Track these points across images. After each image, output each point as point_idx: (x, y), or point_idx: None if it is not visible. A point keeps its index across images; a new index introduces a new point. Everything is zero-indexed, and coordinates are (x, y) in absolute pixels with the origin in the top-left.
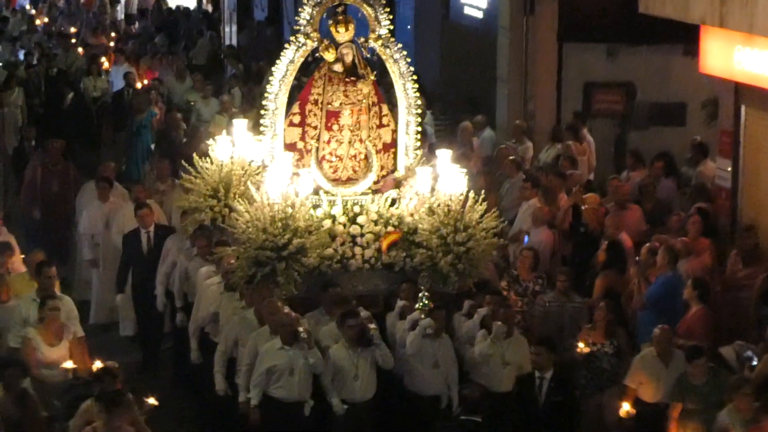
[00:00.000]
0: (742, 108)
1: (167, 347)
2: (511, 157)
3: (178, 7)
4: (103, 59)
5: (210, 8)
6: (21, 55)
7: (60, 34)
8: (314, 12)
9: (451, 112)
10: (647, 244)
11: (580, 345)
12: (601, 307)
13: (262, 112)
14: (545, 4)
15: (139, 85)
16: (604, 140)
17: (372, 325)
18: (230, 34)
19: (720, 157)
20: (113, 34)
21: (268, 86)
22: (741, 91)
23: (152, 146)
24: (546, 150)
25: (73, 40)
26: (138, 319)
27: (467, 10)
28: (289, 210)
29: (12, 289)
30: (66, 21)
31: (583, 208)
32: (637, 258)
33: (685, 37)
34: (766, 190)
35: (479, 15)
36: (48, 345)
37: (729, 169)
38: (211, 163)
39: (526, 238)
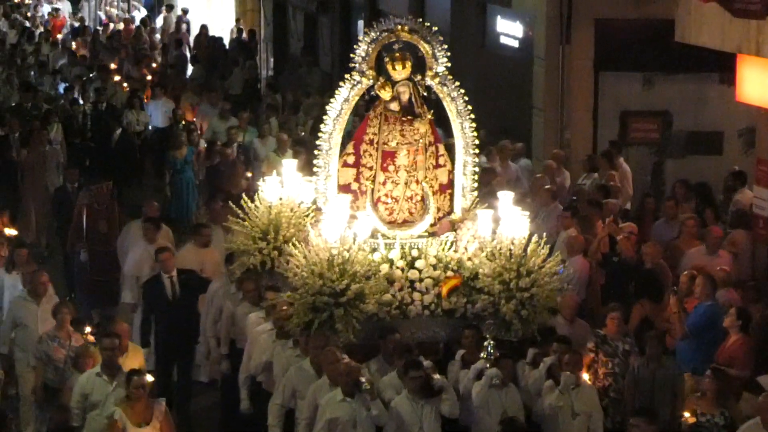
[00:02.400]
0: None
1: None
2: (546, 187)
3: (213, 36)
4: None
5: (245, 37)
6: (61, 89)
7: (101, 67)
8: (370, 49)
9: (487, 141)
10: (686, 272)
11: (686, 415)
12: (709, 376)
13: (315, 152)
14: (581, 32)
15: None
16: (641, 169)
17: (436, 375)
18: (266, 64)
19: (757, 186)
20: (153, 65)
21: (321, 125)
22: None
23: (196, 183)
24: (582, 179)
25: (116, 76)
26: (158, 377)
27: (503, 39)
28: (347, 254)
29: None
30: (107, 54)
31: (618, 237)
32: (674, 288)
33: (721, 66)
34: None
35: (515, 44)
36: (136, 425)
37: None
38: (260, 203)
39: (561, 269)
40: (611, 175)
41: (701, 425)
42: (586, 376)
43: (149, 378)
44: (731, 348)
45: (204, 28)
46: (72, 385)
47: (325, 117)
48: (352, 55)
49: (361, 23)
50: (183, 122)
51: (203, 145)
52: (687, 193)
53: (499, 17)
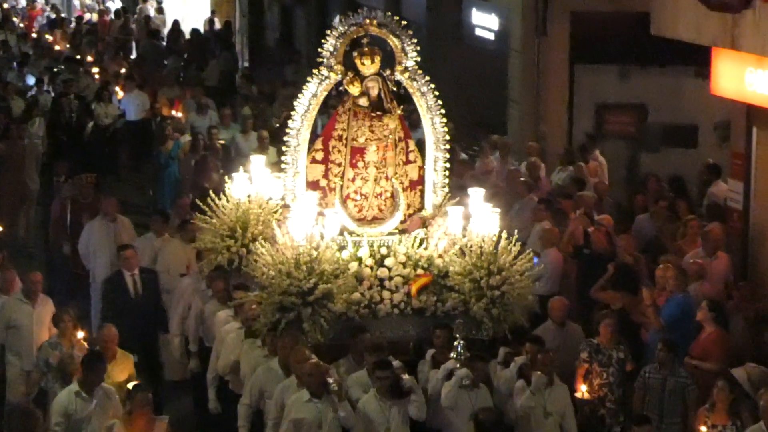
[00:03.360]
0: (754, 130)
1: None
2: (521, 179)
3: (194, 28)
4: (117, 88)
5: (220, 28)
6: (30, 81)
7: (68, 58)
8: (338, 43)
9: (463, 134)
10: (660, 266)
11: (703, 429)
12: (721, 386)
13: (284, 148)
14: (557, 25)
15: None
16: (616, 162)
17: (405, 375)
18: (241, 55)
19: (732, 178)
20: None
21: (290, 121)
22: (752, 113)
23: (179, 177)
24: (557, 171)
25: (94, 68)
26: None
27: (479, 32)
28: (314, 253)
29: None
30: (87, 46)
31: (590, 230)
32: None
33: (696, 59)
34: None
35: (491, 37)
36: None
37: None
38: (227, 201)
39: (535, 260)
40: (580, 167)
41: None
42: (584, 388)
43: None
44: (705, 341)
45: (176, 24)
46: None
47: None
48: (320, 50)
49: (336, 12)
50: (160, 116)
51: (188, 139)
52: (660, 187)
53: (474, 10)
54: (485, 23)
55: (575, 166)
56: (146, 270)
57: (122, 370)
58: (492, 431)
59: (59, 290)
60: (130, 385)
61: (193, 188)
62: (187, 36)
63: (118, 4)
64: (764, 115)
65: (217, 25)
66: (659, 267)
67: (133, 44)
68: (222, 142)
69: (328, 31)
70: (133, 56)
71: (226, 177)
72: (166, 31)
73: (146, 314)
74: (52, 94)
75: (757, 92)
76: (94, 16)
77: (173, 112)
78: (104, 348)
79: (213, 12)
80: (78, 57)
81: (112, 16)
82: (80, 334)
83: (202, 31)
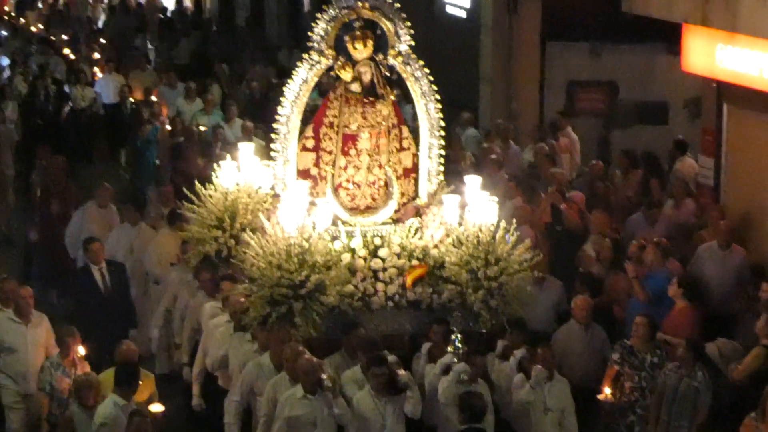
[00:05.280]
0: (725, 106)
1: None
2: (492, 156)
3: (165, 7)
4: (96, 69)
5: (190, 7)
6: (3, 63)
7: (41, 39)
8: (329, 27)
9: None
10: (634, 242)
11: None
12: None
13: (273, 135)
14: (528, 3)
15: (132, 99)
16: (588, 139)
17: (401, 371)
18: (212, 34)
19: (702, 155)
20: (102, 41)
21: (279, 107)
22: (723, 89)
23: (156, 162)
24: (529, 149)
25: (66, 49)
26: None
27: (450, 9)
28: (306, 244)
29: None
30: (59, 28)
31: (561, 207)
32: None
33: (668, 36)
34: (748, 188)
35: (462, 14)
36: None
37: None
38: (215, 190)
39: (508, 238)
40: (551, 144)
41: None
42: (608, 391)
43: (159, 408)
44: (676, 317)
45: (147, 3)
46: (72, 417)
47: (282, 99)
48: (309, 33)
49: None
50: (133, 100)
51: (166, 123)
52: (630, 163)
53: None
54: (457, 1)
55: (547, 143)
56: (114, 263)
57: (142, 390)
58: (476, 415)
59: (36, 278)
60: (152, 407)
61: (173, 175)
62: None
63: None
64: (735, 92)
65: (187, 2)
66: (633, 243)
67: (101, 20)
68: (204, 128)
69: (319, 15)
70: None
71: (213, 165)
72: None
73: (115, 309)
74: (27, 77)
75: (728, 68)
76: None
77: (153, 98)
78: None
79: None
80: (52, 39)
81: None
82: (81, 350)
83: (171, 9)
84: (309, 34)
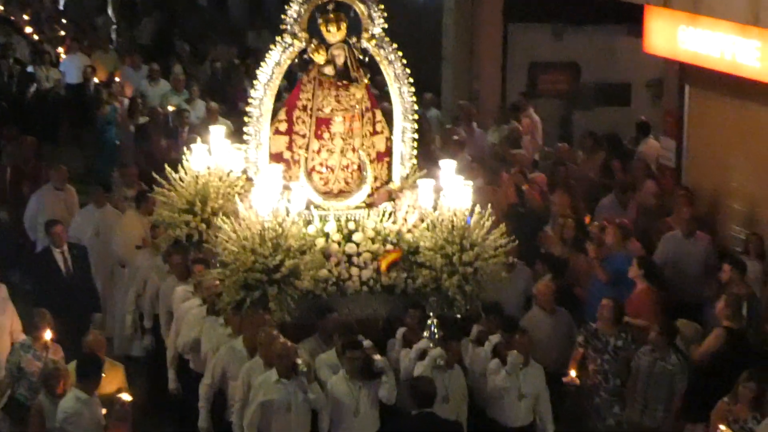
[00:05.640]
0: (687, 87)
1: None
2: (455, 137)
3: None
4: (60, 49)
5: None
6: None
7: (1, 20)
8: (302, 10)
9: None
10: (596, 223)
11: (722, 428)
12: (747, 379)
13: (246, 119)
14: None
15: (96, 80)
16: (550, 120)
17: (377, 356)
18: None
19: (664, 136)
20: (63, 21)
21: (251, 90)
22: (685, 71)
23: (117, 143)
24: (492, 131)
25: (27, 28)
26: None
27: None
28: (280, 228)
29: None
30: (17, 7)
31: (524, 188)
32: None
33: (629, 17)
34: (709, 169)
35: None
36: None
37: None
38: (186, 173)
39: (468, 219)
40: (514, 126)
41: None
42: (573, 373)
43: (127, 397)
44: (637, 298)
45: None
46: (40, 409)
47: (244, 79)
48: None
49: None
50: (96, 80)
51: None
52: (595, 144)
53: None
54: None
55: (509, 124)
56: (75, 246)
57: (111, 381)
58: (427, 400)
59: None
60: (121, 396)
61: (138, 156)
62: None
63: None
64: (697, 73)
65: None
66: (593, 224)
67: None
68: (172, 108)
69: None
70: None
71: (178, 147)
72: None
73: (77, 292)
74: None
75: (690, 50)
76: None
77: (116, 79)
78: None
79: None
80: (12, 18)
81: None
82: (48, 335)
83: None
84: (282, 16)
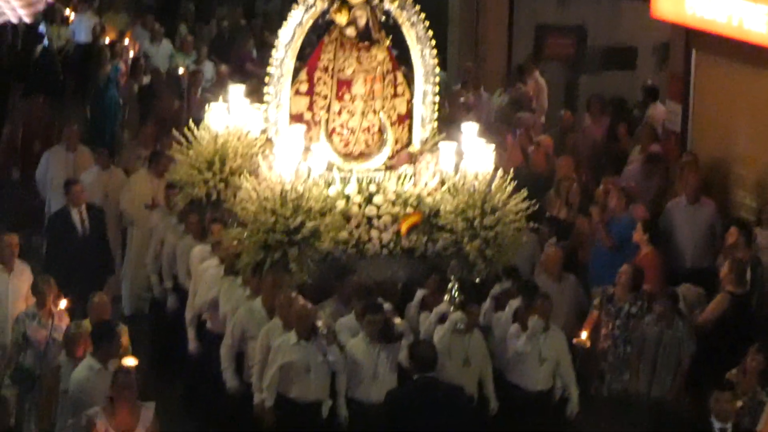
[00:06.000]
0: (693, 52)
1: None
2: (461, 99)
3: None
4: (68, 9)
5: None
6: None
7: None
8: None
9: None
10: (600, 187)
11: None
12: (755, 352)
13: (266, 79)
14: None
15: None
16: (555, 84)
17: (397, 319)
18: None
19: (670, 100)
20: None
21: (274, 50)
22: (692, 36)
23: (120, 102)
24: (498, 95)
25: None
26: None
27: None
28: (301, 189)
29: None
30: None
31: (529, 150)
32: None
33: None
34: (715, 134)
35: None
36: None
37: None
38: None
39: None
40: (523, 91)
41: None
42: (584, 335)
43: (131, 362)
44: (641, 262)
45: None
46: (59, 367)
47: (275, 42)
48: None
49: None
50: (107, 39)
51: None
52: (602, 108)
53: None
54: None
55: (514, 87)
56: (93, 207)
57: None
58: (427, 364)
59: (7, 219)
60: (125, 361)
61: (143, 116)
62: None
63: None
64: (703, 38)
65: None
66: (599, 189)
67: None
68: (182, 69)
69: None
70: None
71: (191, 106)
72: None
73: (93, 253)
74: None
75: (697, 15)
76: None
77: (126, 39)
78: (96, 319)
79: None
80: None
81: None
82: (63, 304)
83: None
84: None
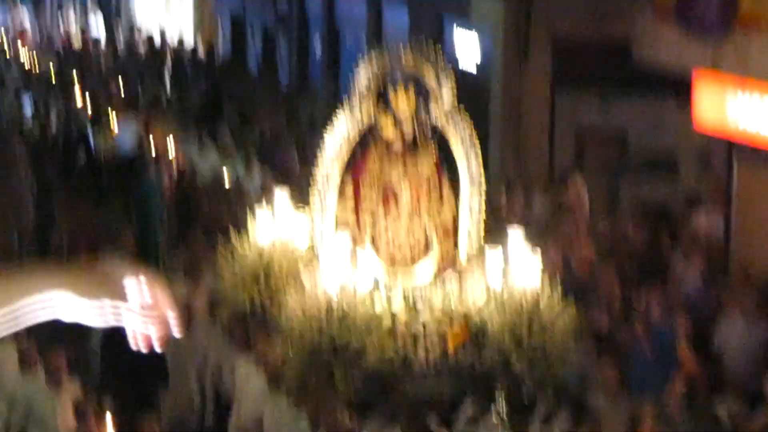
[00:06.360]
0: (735, 160)
1: None
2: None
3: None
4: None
5: (202, 54)
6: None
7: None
8: (371, 81)
9: None
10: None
11: None
12: None
13: (311, 181)
14: (538, 51)
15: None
16: (596, 190)
17: None
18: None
19: (712, 209)
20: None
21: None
22: (734, 145)
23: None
24: (539, 201)
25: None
26: None
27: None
28: (347, 307)
29: None
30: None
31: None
32: None
33: (678, 88)
34: (758, 243)
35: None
36: None
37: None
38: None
39: None
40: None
41: None
42: None
43: None
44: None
45: (150, 40)
46: None
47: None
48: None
49: (318, 36)
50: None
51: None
52: (642, 217)
53: (455, 26)
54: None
55: (557, 195)
56: None
57: None
58: None
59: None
60: None
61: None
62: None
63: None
64: (746, 147)
65: (200, 48)
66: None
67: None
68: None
69: (360, 65)
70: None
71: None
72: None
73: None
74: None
75: (740, 128)
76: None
77: (170, 145)
78: None
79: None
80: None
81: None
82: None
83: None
84: (348, 84)
